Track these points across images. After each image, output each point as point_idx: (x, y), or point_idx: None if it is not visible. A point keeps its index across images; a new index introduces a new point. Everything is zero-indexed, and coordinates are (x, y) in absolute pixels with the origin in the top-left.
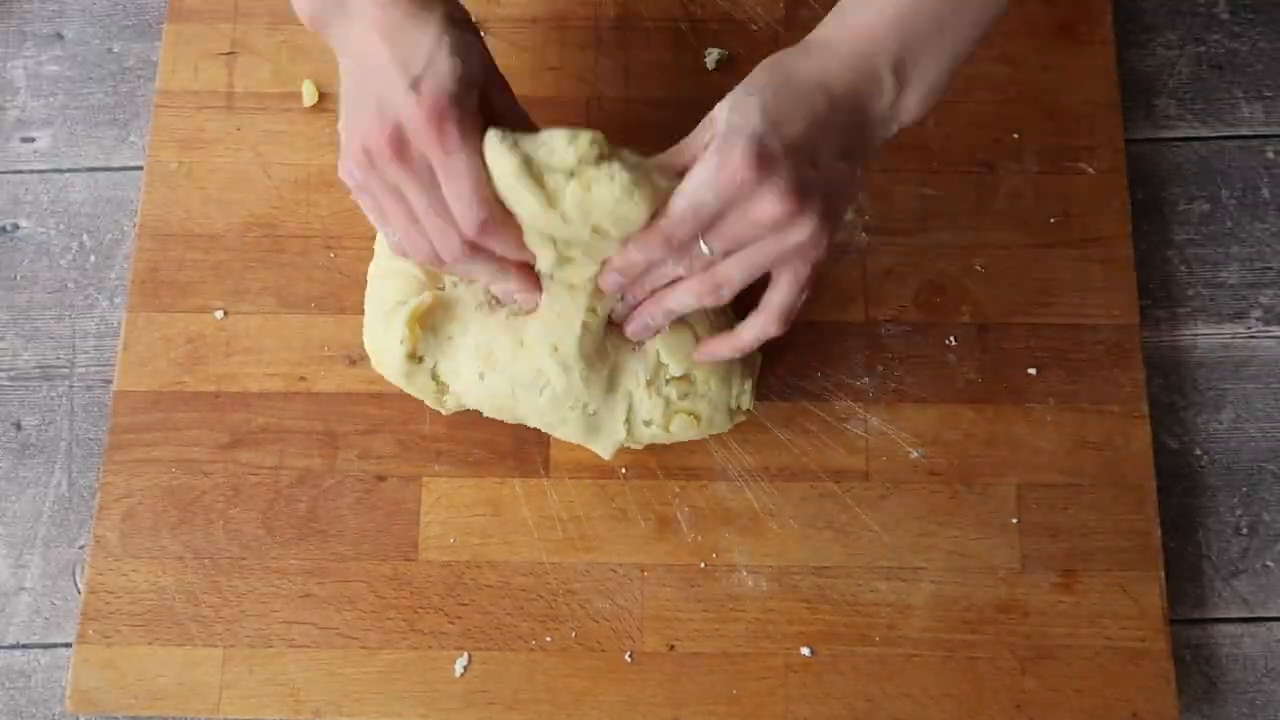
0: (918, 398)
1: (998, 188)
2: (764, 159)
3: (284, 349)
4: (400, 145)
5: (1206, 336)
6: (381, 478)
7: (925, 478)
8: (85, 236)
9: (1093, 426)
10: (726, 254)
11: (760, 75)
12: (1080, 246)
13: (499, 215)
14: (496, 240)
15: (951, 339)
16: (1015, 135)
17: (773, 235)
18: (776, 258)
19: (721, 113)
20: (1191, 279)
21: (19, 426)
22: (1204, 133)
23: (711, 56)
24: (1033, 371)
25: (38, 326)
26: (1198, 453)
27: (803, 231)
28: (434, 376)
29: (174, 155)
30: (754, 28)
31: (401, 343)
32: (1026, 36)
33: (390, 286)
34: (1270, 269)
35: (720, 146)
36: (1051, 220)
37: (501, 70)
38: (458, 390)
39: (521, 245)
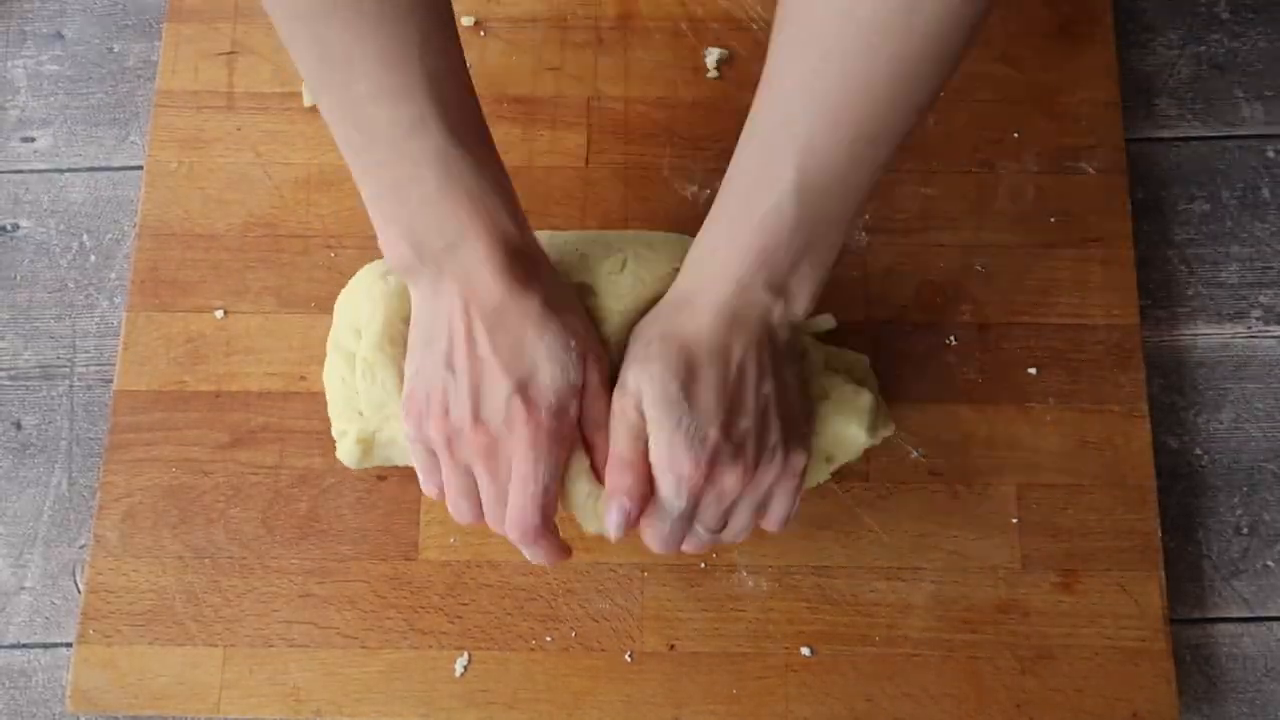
0: (918, 398)
1: (998, 188)
2: (709, 454)
3: (284, 348)
4: (491, 445)
5: (1207, 336)
6: (382, 477)
7: (925, 478)
8: (85, 236)
9: (1093, 426)
10: (724, 517)
11: (655, 352)
12: (1080, 246)
13: (551, 524)
14: (529, 550)
15: (951, 339)
16: (1015, 135)
17: (750, 490)
18: (764, 498)
19: (641, 405)
20: (1192, 279)
21: (19, 426)
22: (1204, 132)
23: (712, 56)
24: (1033, 371)
25: (38, 326)
26: (1198, 452)
27: (772, 471)
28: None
29: (174, 155)
30: (754, 27)
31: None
32: (1027, 36)
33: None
34: (1270, 269)
35: (666, 456)
36: (1052, 220)
37: (501, 70)
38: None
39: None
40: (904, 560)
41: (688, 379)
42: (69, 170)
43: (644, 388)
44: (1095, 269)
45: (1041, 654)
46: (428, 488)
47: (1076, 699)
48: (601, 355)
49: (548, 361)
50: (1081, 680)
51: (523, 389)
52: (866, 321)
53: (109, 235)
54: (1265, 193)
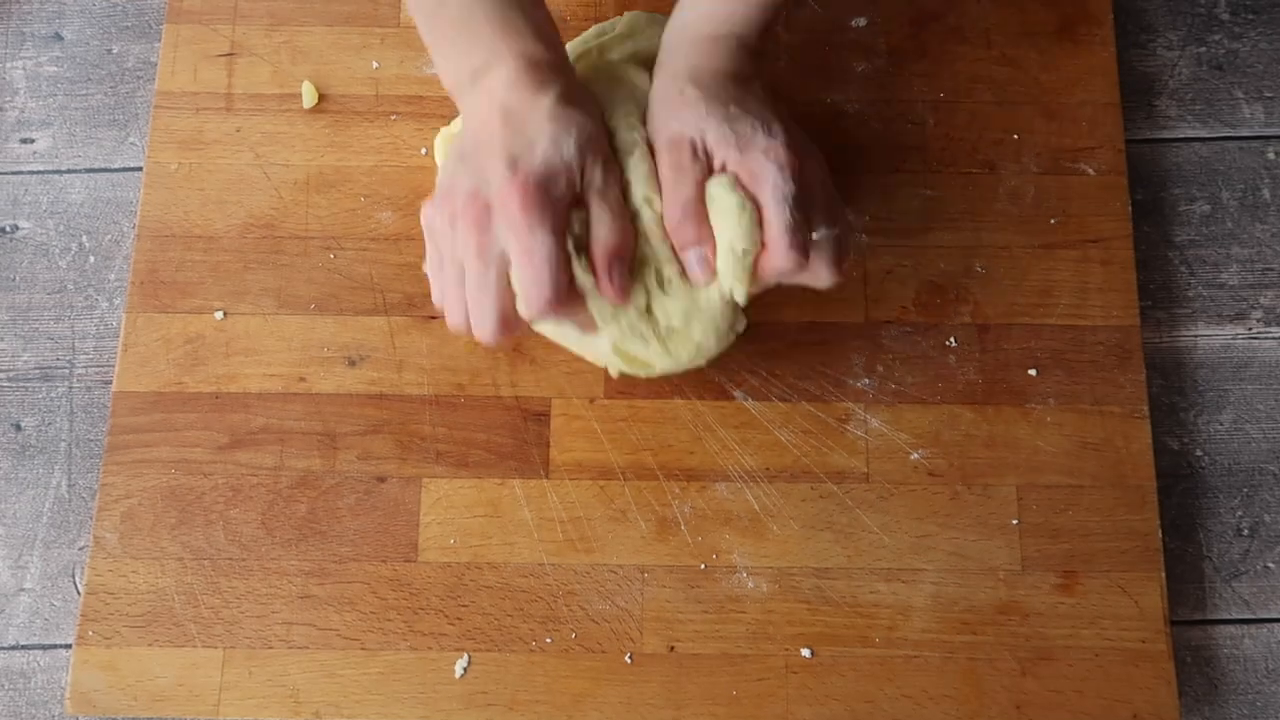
0: (918, 399)
1: (998, 189)
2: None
3: (284, 350)
4: (482, 215)
5: (1207, 337)
6: (381, 479)
7: (925, 479)
8: (85, 237)
9: (1093, 427)
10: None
11: (694, 95)
12: (1080, 248)
13: (564, 298)
14: (551, 320)
15: (952, 340)
16: (1015, 136)
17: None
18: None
19: (705, 143)
20: (1192, 280)
21: (19, 427)
22: (1204, 133)
23: None
24: (1033, 372)
25: (37, 327)
26: (1198, 454)
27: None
28: None
29: (173, 156)
30: None
31: None
32: (1027, 37)
33: None
34: (1271, 270)
35: (761, 160)
36: (1052, 221)
37: None
38: None
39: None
40: (904, 561)
41: (734, 101)
42: (68, 171)
43: (704, 126)
44: (1095, 270)
45: (1042, 655)
46: (434, 286)
47: (1077, 700)
48: (606, 152)
49: (542, 140)
50: (1082, 682)
51: (513, 162)
52: (866, 322)
53: (108, 236)
54: (1265, 194)
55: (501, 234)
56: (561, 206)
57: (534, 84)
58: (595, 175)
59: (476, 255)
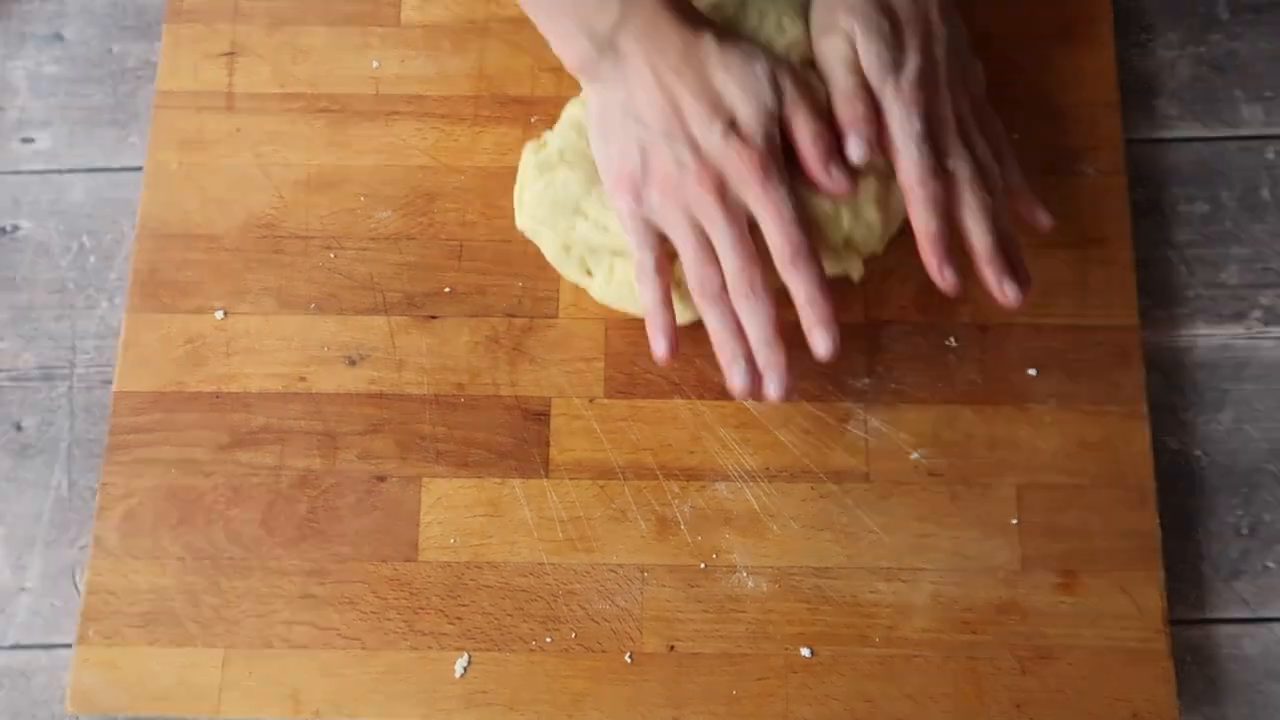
0: (918, 398)
1: None
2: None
3: (284, 349)
4: (721, 183)
5: (1206, 337)
6: (381, 478)
7: (925, 478)
8: (85, 237)
9: (1093, 427)
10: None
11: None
12: (1080, 248)
13: (811, 245)
14: (803, 272)
15: (951, 340)
16: (1014, 136)
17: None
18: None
19: (855, 39)
20: (1192, 280)
21: (19, 427)
22: (1204, 133)
23: None
24: (1033, 372)
25: (38, 327)
26: (1198, 453)
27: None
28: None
29: (174, 156)
30: None
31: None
32: (1026, 37)
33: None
34: (1270, 270)
35: (875, 73)
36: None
37: (501, 70)
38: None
39: (823, 279)
40: (904, 561)
41: (888, 14)
42: (69, 171)
43: (855, 24)
44: (1095, 270)
45: (1041, 655)
46: (647, 267)
47: (1076, 700)
48: (787, 65)
49: (741, 94)
50: (1081, 681)
51: (733, 125)
52: (866, 322)
53: (109, 236)
54: (1265, 194)
55: (739, 197)
56: (781, 158)
57: (688, 21)
58: (795, 98)
59: (727, 224)
